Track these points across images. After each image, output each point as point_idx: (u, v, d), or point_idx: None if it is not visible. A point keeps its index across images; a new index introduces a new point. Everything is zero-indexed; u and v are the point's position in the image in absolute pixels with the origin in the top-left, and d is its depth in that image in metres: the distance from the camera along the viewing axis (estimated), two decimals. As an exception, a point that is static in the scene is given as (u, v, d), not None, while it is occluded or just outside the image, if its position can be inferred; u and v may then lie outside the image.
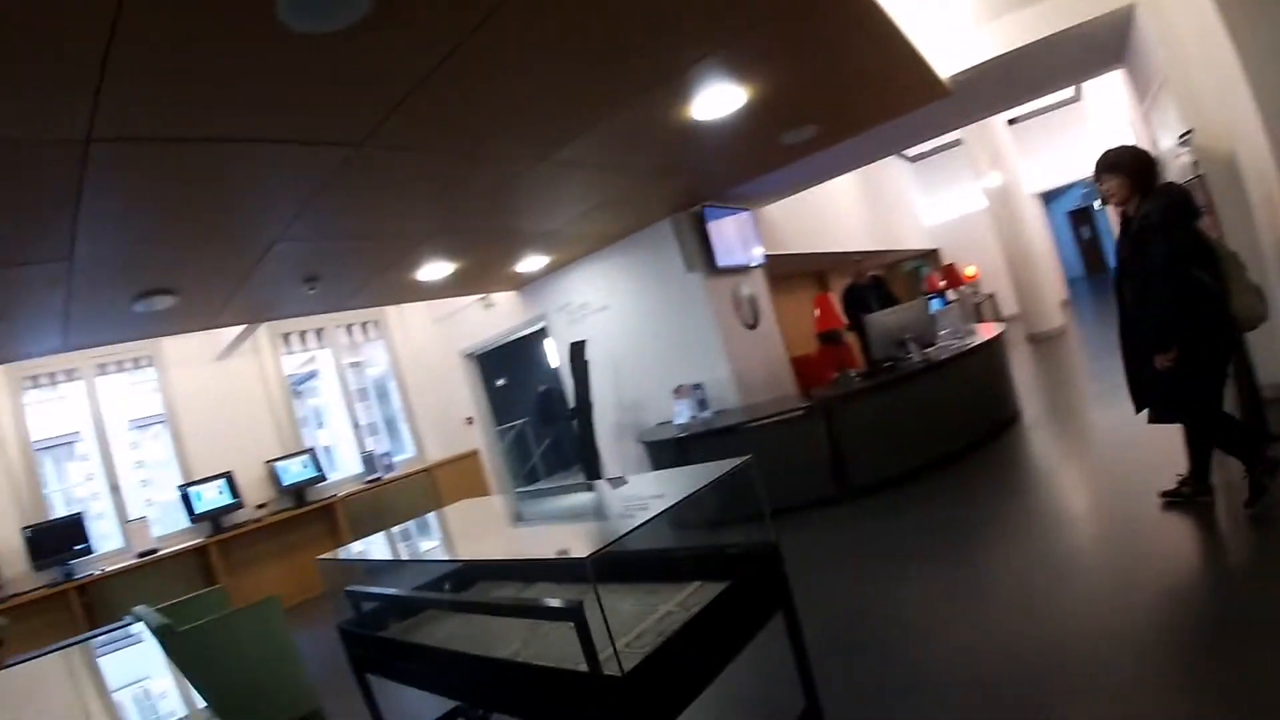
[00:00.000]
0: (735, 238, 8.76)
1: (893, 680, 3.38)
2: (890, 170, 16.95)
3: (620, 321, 9.24)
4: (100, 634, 5.88)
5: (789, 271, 12.02)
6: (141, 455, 12.34)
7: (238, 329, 8.68)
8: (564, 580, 3.00)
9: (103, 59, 2.66)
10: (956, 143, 15.88)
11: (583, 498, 4.15)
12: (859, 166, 10.05)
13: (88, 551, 8.05)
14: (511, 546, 3.51)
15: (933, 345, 7.46)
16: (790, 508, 6.56)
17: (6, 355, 6.73)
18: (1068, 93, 14.75)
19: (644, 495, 2.85)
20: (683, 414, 8.05)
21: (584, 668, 2.00)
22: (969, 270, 17.36)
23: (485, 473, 11.98)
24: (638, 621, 2.48)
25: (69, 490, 11.08)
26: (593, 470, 8.97)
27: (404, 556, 3.81)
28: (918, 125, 7.66)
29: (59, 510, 8.60)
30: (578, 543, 2.77)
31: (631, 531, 2.23)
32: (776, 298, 9.66)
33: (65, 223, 4.10)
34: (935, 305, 12.00)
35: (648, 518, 2.29)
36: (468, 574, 3.46)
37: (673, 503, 2.44)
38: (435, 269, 7.78)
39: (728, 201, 8.64)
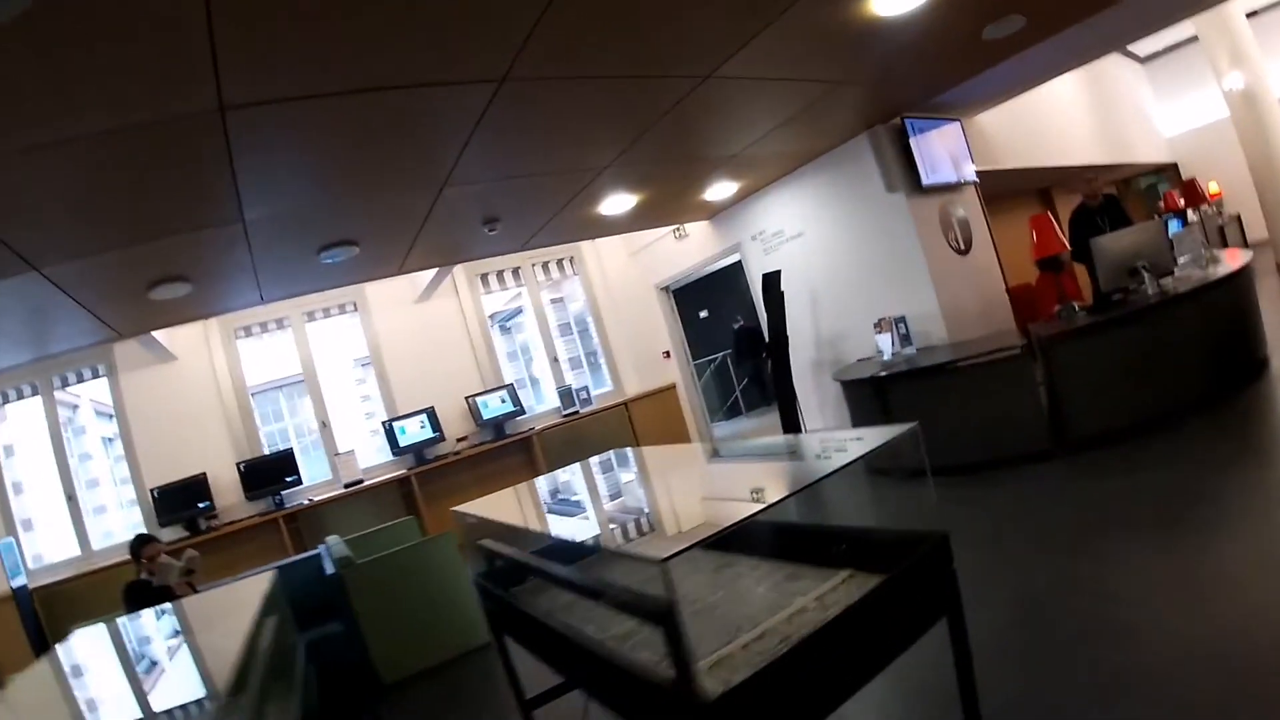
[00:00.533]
0: (942, 152, 7.91)
1: (1092, 696, 2.70)
2: (1119, 72, 15.13)
3: (816, 250, 8.61)
4: (286, 563, 6.42)
5: (1008, 189, 10.92)
6: (350, 394, 13.13)
7: (431, 272, 8.97)
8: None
9: (209, 34, 2.75)
10: (1192, 39, 13.89)
11: (717, 467, 3.65)
12: (1080, 65, 8.75)
13: (298, 483, 8.80)
14: (595, 525, 3.08)
15: (1170, 274, 6.36)
16: (998, 462, 5.89)
17: (213, 310, 7.48)
18: None
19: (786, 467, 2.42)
20: (885, 350, 7.41)
21: (672, 674, 1.62)
22: (1212, 187, 15.27)
23: (683, 407, 11.75)
24: (767, 614, 2.06)
25: (283, 429, 11.83)
26: (789, 411, 8.51)
27: (506, 519, 3.59)
28: (1142, 14, 6.55)
29: (274, 446, 9.54)
30: (665, 533, 2.35)
31: (721, 533, 1.86)
32: (994, 219, 8.72)
33: (226, 188, 4.36)
34: (1173, 228, 10.69)
35: (742, 517, 1.87)
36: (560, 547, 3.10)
37: (792, 491, 2.00)
38: (617, 202, 7.50)
39: (931, 112, 7.79)
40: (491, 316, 13.58)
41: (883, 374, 6.62)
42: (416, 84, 3.77)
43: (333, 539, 6.46)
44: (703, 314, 15.59)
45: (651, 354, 11.75)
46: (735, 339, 13.71)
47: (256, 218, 4.96)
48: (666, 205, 8.51)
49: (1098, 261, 6.26)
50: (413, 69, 3.61)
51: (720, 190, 8.38)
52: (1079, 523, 4.54)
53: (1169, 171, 17.14)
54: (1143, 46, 15.16)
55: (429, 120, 4.32)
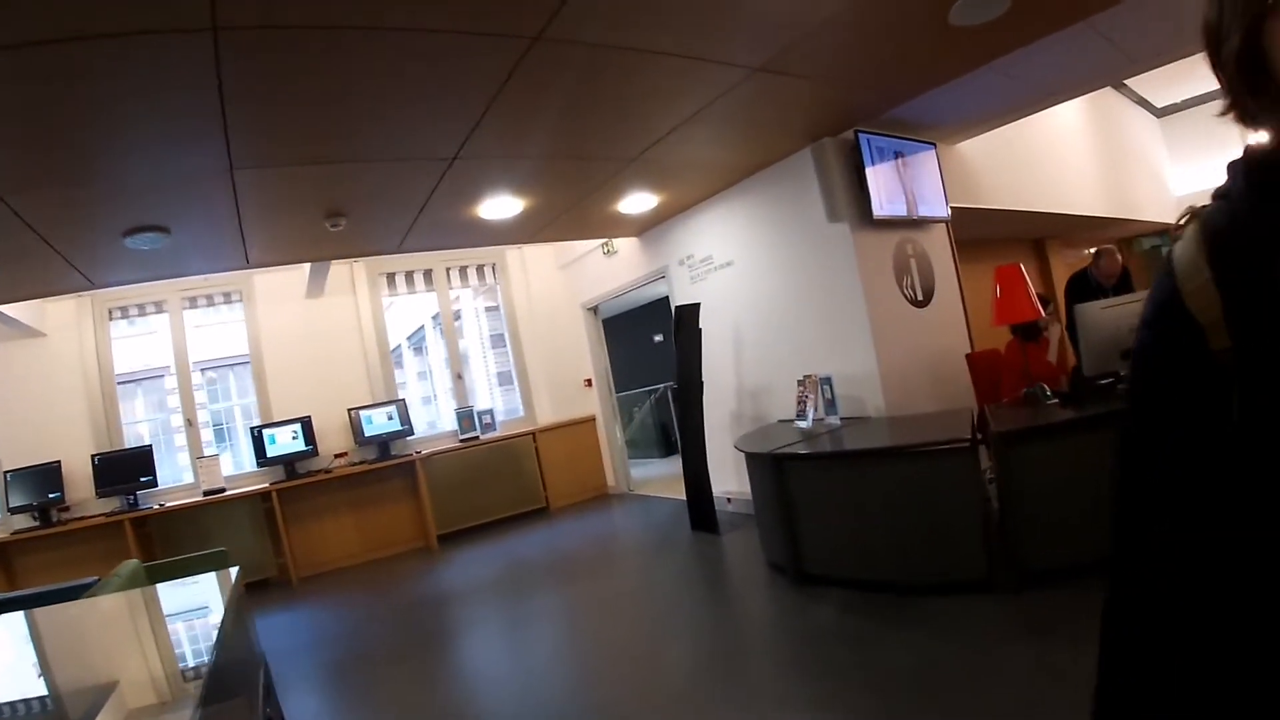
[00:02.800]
0: (906, 178, 6.44)
1: None
2: (1132, 121, 13.72)
3: (746, 283, 7.21)
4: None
5: (992, 235, 9.45)
6: (222, 392, 12.86)
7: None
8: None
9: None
10: (1214, 95, 12.55)
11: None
12: (1081, 91, 7.17)
13: (154, 484, 8.03)
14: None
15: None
16: (917, 586, 4.50)
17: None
18: None
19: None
20: (804, 416, 5.98)
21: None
22: (1227, 254, 13.93)
23: (600, 443, 10.49)
24: None
25: (148, 423, 11.25)
26: (693, 468, 7.10)
27: None
28: (1154, 36, 5.25)
29: (139, 441, 8.86)
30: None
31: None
32: (968, 268, 7.27)
33: None
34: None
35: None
36: None
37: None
38: (499, 205, 6.21)
39: (899, 130, 6.36)
40: (411, 337, 12.47)
41: (780, 451, 5.17)
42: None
43: (129, 564, 5.04)
44: (657, 338, 14.30)
45: (573, 380, 10.48)
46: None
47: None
48: (574, 215, 7.13)
49: (1081, 335, 4.66)
50: None
51: (637, 203, 7.00)
52: (1003, 701, 3.13)
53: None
54: (1160, 96, 13.82)
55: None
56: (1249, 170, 0.87)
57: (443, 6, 3.09)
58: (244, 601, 2.96)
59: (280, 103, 3.75)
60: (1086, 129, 10.41)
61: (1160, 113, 15.51)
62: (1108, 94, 11.39)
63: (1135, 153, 13.90)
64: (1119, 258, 6.90)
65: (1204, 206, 0.91)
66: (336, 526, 8.63)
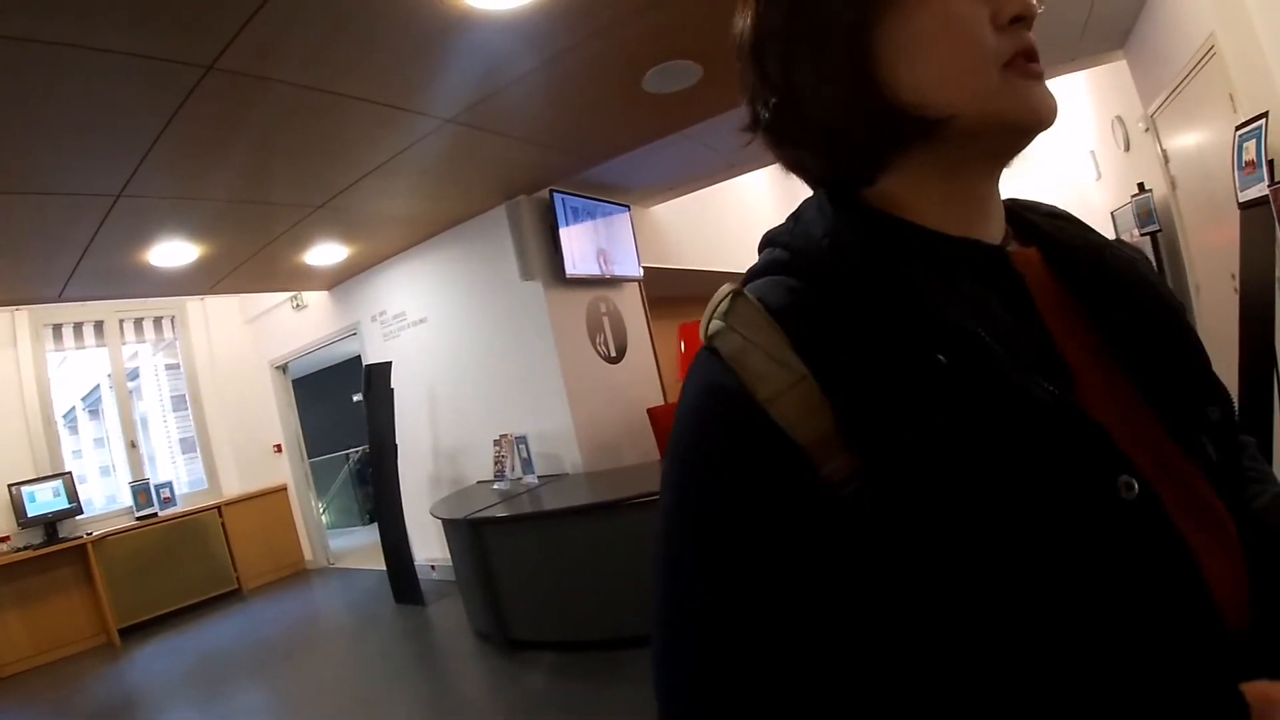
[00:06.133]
0: (601, 239, 6.60)
1: None
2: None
3: (441, 341, 7.02)
4: None
5: (681, 293, 9.87)
6: None
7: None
8: None
9: None
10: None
11: None
12: (766, 162, 7.68)
13: None
14: None
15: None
16: (629, 642, 4.45)
17: None
18: None
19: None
20: (502, 477, 5.87)
21: None
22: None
23: (294, 514, 9.69)
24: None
25: None
26: (390, 535, 6.77)
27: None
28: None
29: None
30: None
31: None
32: (659, 325, 7.48)
33: None
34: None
35: None
36: None
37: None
38: (172, 250, 5.62)
39: (592, 191, 6.48)
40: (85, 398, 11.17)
41: (476, 516, 5.02)
42: None
43: None
44: (356, 397, 13.74)
45: (261, 445, 9.65)
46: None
47: None
48: (258, 264, 6.60)
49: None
50: None
51: (326, 254, 6.63)
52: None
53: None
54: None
55: None
56: (845, 224, 0.72)
57: (108, 23, 2.72)
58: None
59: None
60: (774, 187, 11.04)
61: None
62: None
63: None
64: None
65: (754, 282, 0.74)
66: (1, 625, 7.27)
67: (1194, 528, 0.62)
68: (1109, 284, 0.75)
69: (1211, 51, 4.00)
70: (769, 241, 0.78)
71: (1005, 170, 0.75)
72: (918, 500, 0.59)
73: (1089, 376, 0.69)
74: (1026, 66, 0.66)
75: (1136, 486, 0.60)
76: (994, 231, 0.75)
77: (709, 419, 0.67)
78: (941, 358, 0.61)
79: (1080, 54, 5.74)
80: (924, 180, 0.72)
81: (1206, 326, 5.38)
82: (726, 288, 0.71)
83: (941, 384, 0.60)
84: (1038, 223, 0.81)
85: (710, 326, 0.69)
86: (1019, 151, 0.72)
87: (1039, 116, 0.67)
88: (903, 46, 0.67)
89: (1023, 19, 0.66)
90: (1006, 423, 0.60)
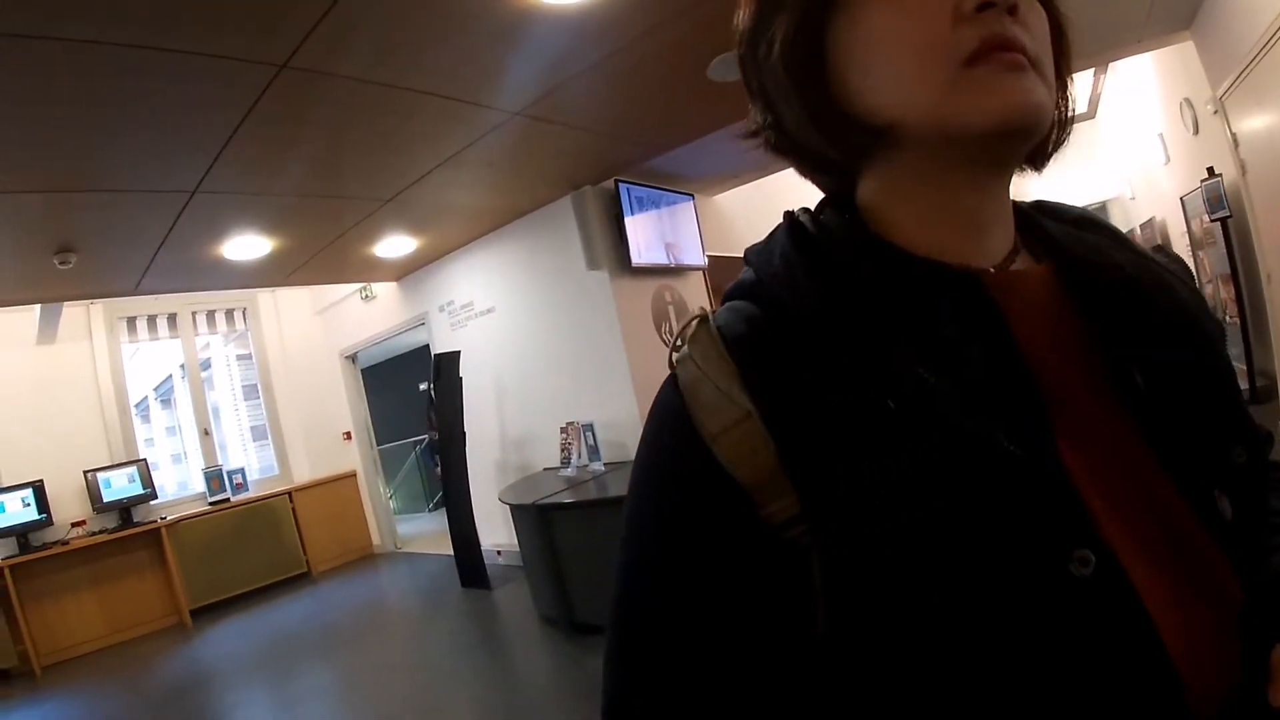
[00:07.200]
0: (665, 228, 6.63)
1: None
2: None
3: (508, 330, 7.12)
4: None
5: (745, 282, 9.87)
6: None
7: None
8: None
9: None
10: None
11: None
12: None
13: None
14: None
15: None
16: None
17: None
18: (1080, 107, 12.42)
19: None
20: (569, 464, 5.94)
21: None
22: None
23: (363, 500, 9.88)
24: None
25: None
26: (459, 520, 6.88)
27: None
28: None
29: None
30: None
31: None
32: (725, 313, 7.49)
33: None
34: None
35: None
36: None
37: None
38: (244, 244, 5.77)
39: (656, 180, 6.51)
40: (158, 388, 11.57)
41: (544, 501, 5.10)
42: None
43: None
44: (423, 386, 13.91)
45: (331, 433, 9.85)
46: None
47: None
48: (328, 257, 6.74)
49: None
50: None
51: (395, 246, 6.75)
52: None
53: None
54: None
55: None
56: (799, 249, 0.68)
57: (182, 25, 2.82)
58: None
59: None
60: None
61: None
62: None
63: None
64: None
65: (725, 304, 0.70)
66: (77, 605, 7.48)
67: (1179, 602, 0.56)
68: (1128, 308, 0.66)
69: (1283, 30, 3.91)
70: (745, 259, 0.74)
71: (1028, 173, 0.70)
72: (858, 552, 0.56)
73: (1075, 421, 0.61)
74: (997, 58, 0.57)
75: (1093, 561, 0.54)
76: (993, 247, 0.68)
77: (656, 451, 0.68)
78: (890, 403, 0.57)
79: (1146, 35, 5.61)
80: (900, 193, 0.68)
81: (1277, 315, 5.25)
82: (696, 310, 0.68)
83: (890, 430, 0.57)
84: (1056, 234, 0.72)
85: (676, 353, 0.67)
86: (1007, 158, 0.65)
87: (998, 118, 0.57)
88: (851, 49, 0.62)
89: (991, 5, 0.56)
90: (954, 477, 0.55)
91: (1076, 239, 0.72)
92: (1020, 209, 0.74)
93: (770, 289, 0.66)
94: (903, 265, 0.65)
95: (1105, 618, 0.53)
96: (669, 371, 0.67)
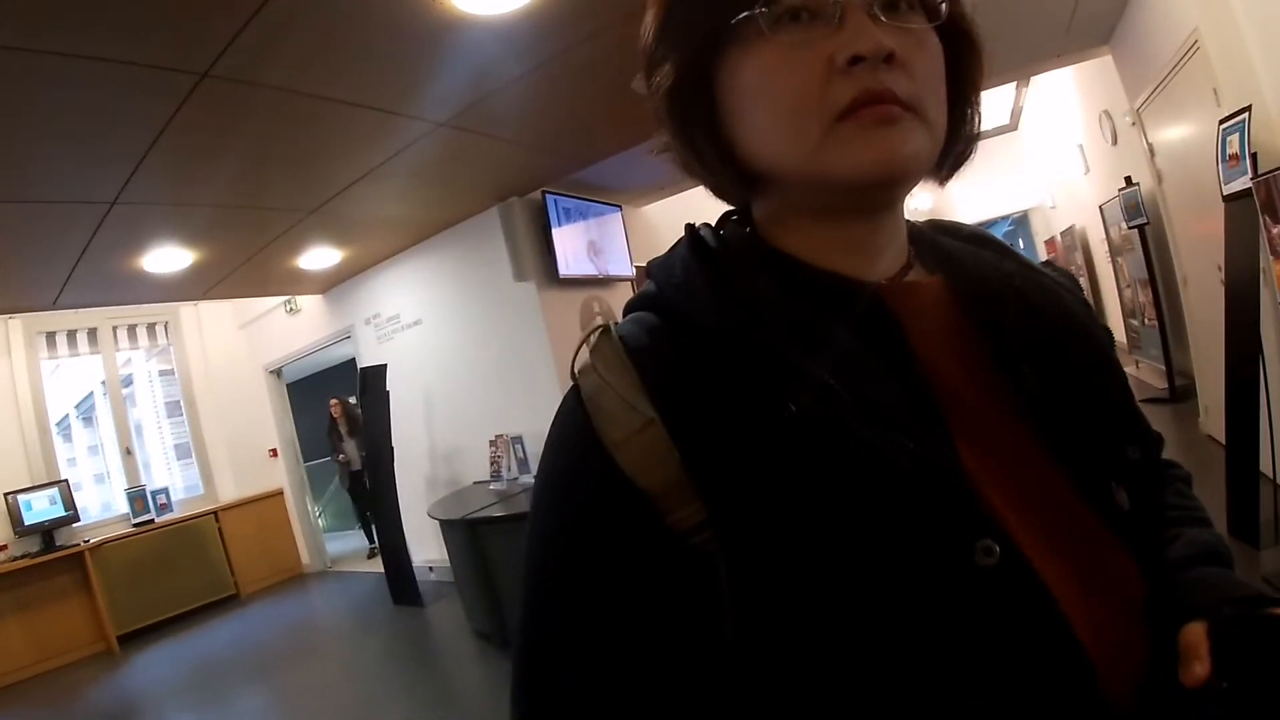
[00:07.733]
0: (593, 239, 6.66)
1: None
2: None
3: (435, 343, 7.06)
4: None
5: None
6: None
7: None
8: None
9: None
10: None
11: None
12: None
13: None
14: None
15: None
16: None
17: None
18: (1002, 119, 12.53)
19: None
20: (499, 477, 5.90)
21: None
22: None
23: (291, 519, 9.70)
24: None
25: None
26: (389, 537, 6.80)
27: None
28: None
29: None
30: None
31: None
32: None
33: None
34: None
35: None
36: None
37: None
38: (166, 256, 5.62)
39: (584, 191, 6.53)
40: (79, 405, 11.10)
41: (473, 516, 5.07)
42: None
43: None
44: (351, 400, 13.70)
45: (256, 450, 9.64)
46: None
47: None
48: (252, 269, 6.60)
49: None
50: None
51: (320, 258, 6.65)
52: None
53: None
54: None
55: None
56: (700, 261, 0.68)
57: (100, 31, 2.74)
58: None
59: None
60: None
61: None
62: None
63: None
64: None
65: (629, 315, 0.71)
66: (1, 634, 7.23)
67: (1084, 592, 0.57)
68: (1018, 316, 0.68)
69: (1195, 47, 4.05)
70: (647, 271, 0.74)
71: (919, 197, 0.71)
72: (764, 557, 0.56)
73: (971, 424, 0.63)
74: (867, 112, 0.57)
75: (997, 551, 0.54)
76: (884, 265, 0.69)
77: (557, 462, 0.68)
78: (792, 406, 0.57)
79: (1066, 50, 5.80)
80: (788, 222, 0.69)
81: (1194, 319, 5.42)
82: (598, 322, 0.68)
83: (793, 433, 0.57)
84: (949, 249, 0.75)
85: (578, 363, 0.68)
86: (884, 203, 0.67)
87: (864, 173, 0.59)
88: (731, 98, 0.64)
89: (863, 60, 0.57)
90: (858, 478, 0.55)
91: (968, 253, 0.75)
92: (915, 227, 0.76)
93: (672, 300, 0.67)
94: (800, 277, 0.67)
95: (1014, 606, 0.54)
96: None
